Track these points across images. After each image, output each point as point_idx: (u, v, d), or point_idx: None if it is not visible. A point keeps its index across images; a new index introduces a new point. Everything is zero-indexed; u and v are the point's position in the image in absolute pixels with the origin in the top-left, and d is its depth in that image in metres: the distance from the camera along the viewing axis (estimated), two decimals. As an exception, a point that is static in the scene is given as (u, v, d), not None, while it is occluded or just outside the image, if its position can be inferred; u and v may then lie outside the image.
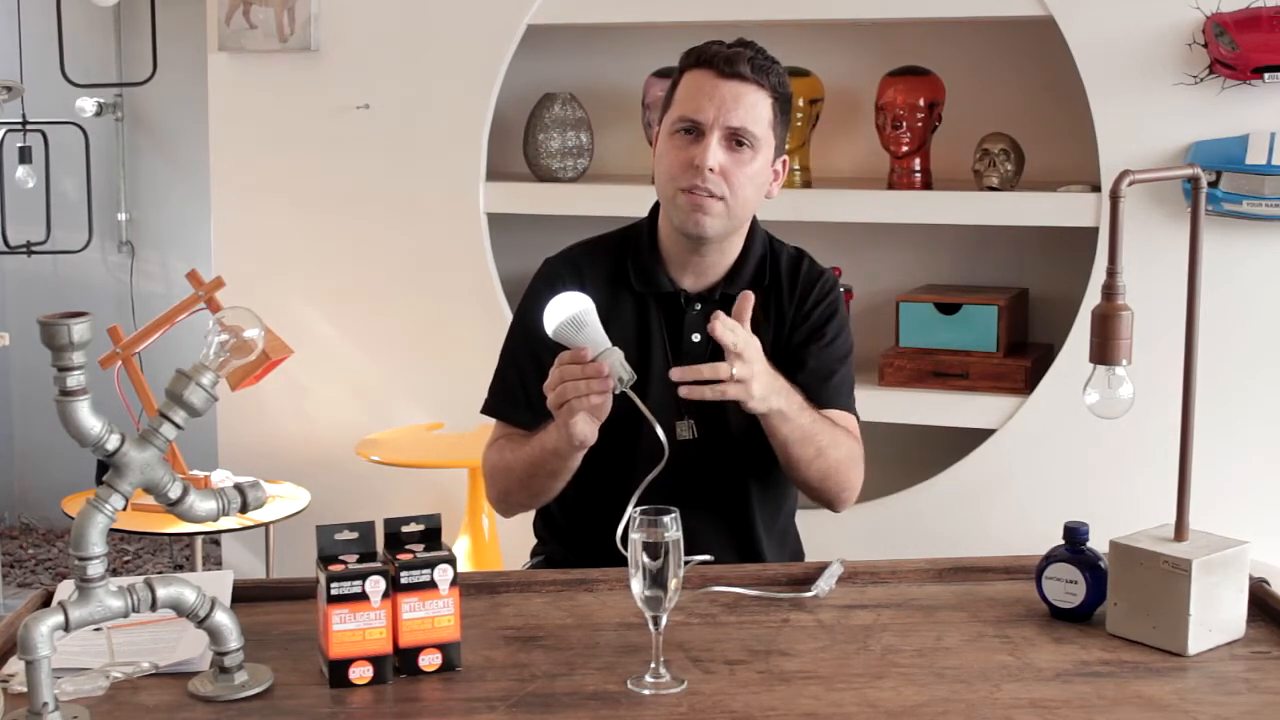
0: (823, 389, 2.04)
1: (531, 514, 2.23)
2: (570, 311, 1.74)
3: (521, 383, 2.05)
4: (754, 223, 2.09)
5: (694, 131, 1.97)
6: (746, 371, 1.81)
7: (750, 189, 1.99)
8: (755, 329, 2.06)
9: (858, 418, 2.10)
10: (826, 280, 2.11)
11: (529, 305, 2.08)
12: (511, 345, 2.12)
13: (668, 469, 1.73)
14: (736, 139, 1.96)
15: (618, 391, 1.77)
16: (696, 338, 2.06)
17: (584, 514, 2.10)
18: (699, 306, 2.07)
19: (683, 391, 1.79)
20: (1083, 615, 1.74)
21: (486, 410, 2.12)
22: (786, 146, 2.09)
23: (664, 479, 1.73)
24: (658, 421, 1.74)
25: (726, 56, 1.97)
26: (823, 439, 1.95)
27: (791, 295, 2.08)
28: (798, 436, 1.92)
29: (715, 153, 1.95)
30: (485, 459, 2.10)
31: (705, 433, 2.05)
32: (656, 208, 2.10)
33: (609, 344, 1.76)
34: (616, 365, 1.75)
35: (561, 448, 1.87)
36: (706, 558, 1.87)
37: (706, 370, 1.80)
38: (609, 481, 2.02)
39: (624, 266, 2.08)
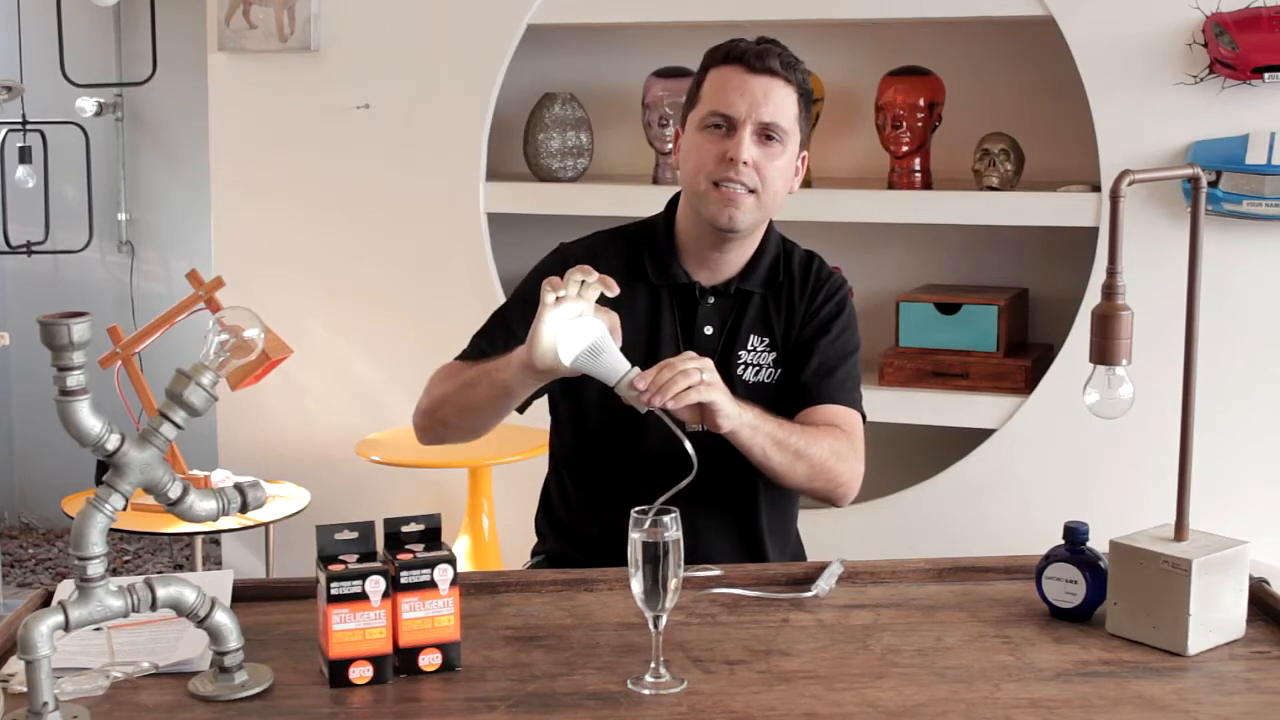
0: (825, 383, 2.05)
1: (533, 513, 2.23)
2: (586, 341, 1.73)
3: (505, 341, 2.02)
4: (770, 222, 2.11)
5: (725, 126, 1.99)
6: (714, 378, 1.81)
7: (780, 182, 2.02)
8: (766, 326, 2.07)
9: (863, 416, 2.10)
10: (835, 280, 2.14)
11: (534, 283, 2.08)
12: (505, 310, 2.11)
13: (676, 464, 1.72)
14: (767, 133, 1.99)
15: (644, 411, 1.76)
16: (709, 330, 2.07)
17: (587, 509, 2.11)
18: (712, 300, 2.08)
19: (655, 402, 1.74)
20: (1083, 615, 1.73)
21: (460, 356, 2.08)
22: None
23: (673, 474, 1.72)
24: (686, 436, 1.72)
25: (757, 52, 2.00)
26: (797, 442, 1.94)
27: (802, 293, 2.10)
28: (771, 444, 1.91)
29: (749, 146, 1.97)
30: (435, 372, 2.06)
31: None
32: (673, 202, 2.11)
33: (628, 365, 1.75)
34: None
35: (514, 361, 1.84)
36: (716, 572, 1.86)
37: (678, 362, 1.76)
38: (614, 477, 2.04)
39: (640, 257, 2.09)
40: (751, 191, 1.99)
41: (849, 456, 2.02)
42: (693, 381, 1.76)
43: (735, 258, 2.08)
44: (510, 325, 2.04)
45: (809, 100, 2.05)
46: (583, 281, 1.79)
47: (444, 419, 2.03)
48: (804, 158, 2.08)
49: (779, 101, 1.99)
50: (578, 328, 1.74)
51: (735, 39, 2.03)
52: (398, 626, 1.56)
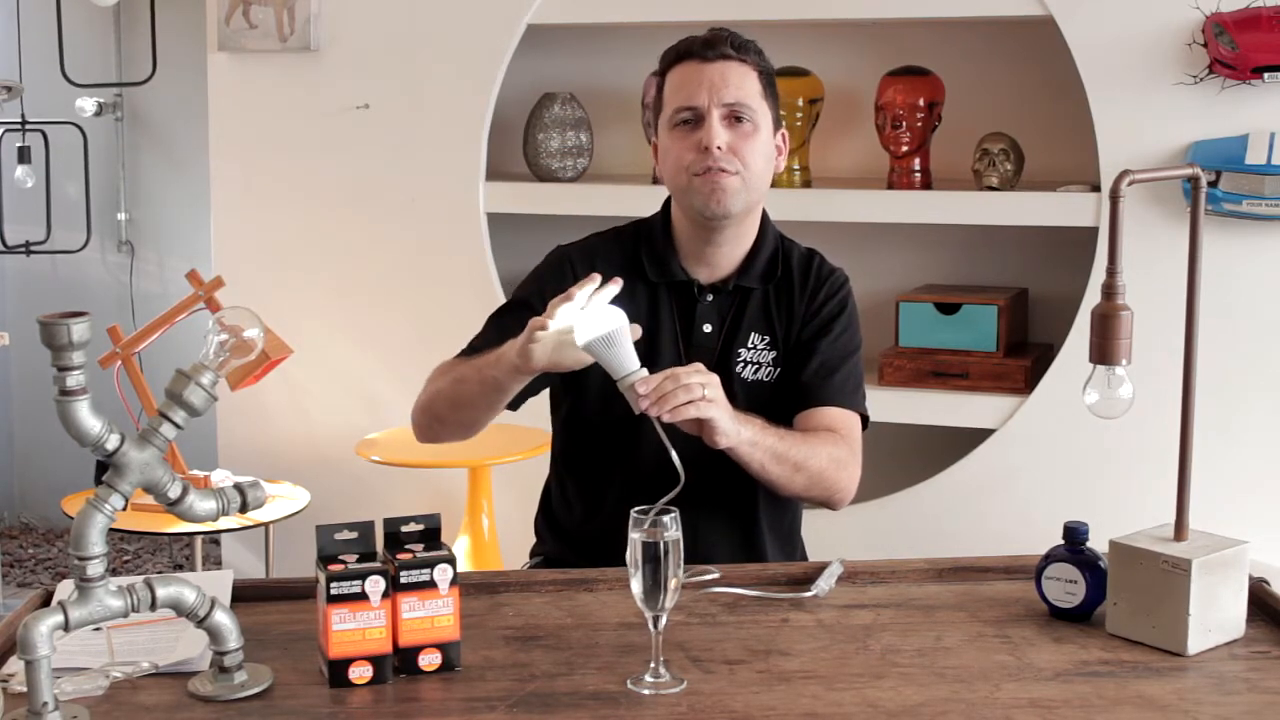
0: (825, 385, 2.04)
1: (532, 514, 2.23)
2: (605, 329, 1.71)
3: (500, 345, 2.02)
4: (765, 217, 2.11)
5: (693, 120, 2.00)
6: (717, 394, 1.80)
7: (760, 161, 2.02)
8: (766, 324, 2.07)
9: (866, 417, 2.09)
10: (837, 278, 2.13)
11: (532, 286, 2.09)
12: (502, 314, 2.11)
13: (674, 468, 1.72)
14: (735, 115, 1.99)
15: (637, 413, 1.75)
16: (708, 328, 2.07)
17: (586, 510, 2.11)
18: (711, 297, 2.08)
19: (652, 411, 1.73)
20: (1083, 615, 1.73)
21: (456, 357, 2.08)
22: (783, 119, 2.12)
23: (671, 476, 1.71)
24: (674, 448, 1.71)
25: (706, 41, 2.02)
26: (797, 454, 1.94)
27: (803, 292, 2.10)
28: (770, 458, 1.91)
29: (719, 131, 1.98)
30: (432, 371, 2.07)
31: None
32: (667, 203, 2.12)
33: (637, 364, 1.74)
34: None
35: (505, 360, 1.85)
36: (714, 575, 1.86)
37: (683, 374, 1.75)
38: (612, 478, 2.04)
39: (638, 256, 2.09)
40: (734, 174, 1.99)
41: (848, 463, 2.01)
42: (693, 396, 1.75)
43: (732, 251, 2.07)
44: (507, 329, 2.03)
45: (770, 77, 2.06)
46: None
47: (437, 414, 2.03)
48: (783, 135, 2.09)
49: (739, 82, 2.00)
50: (600, 313, 1.73)
51: (685, 38, 2.05)
52: (397, 626, 1.56)
